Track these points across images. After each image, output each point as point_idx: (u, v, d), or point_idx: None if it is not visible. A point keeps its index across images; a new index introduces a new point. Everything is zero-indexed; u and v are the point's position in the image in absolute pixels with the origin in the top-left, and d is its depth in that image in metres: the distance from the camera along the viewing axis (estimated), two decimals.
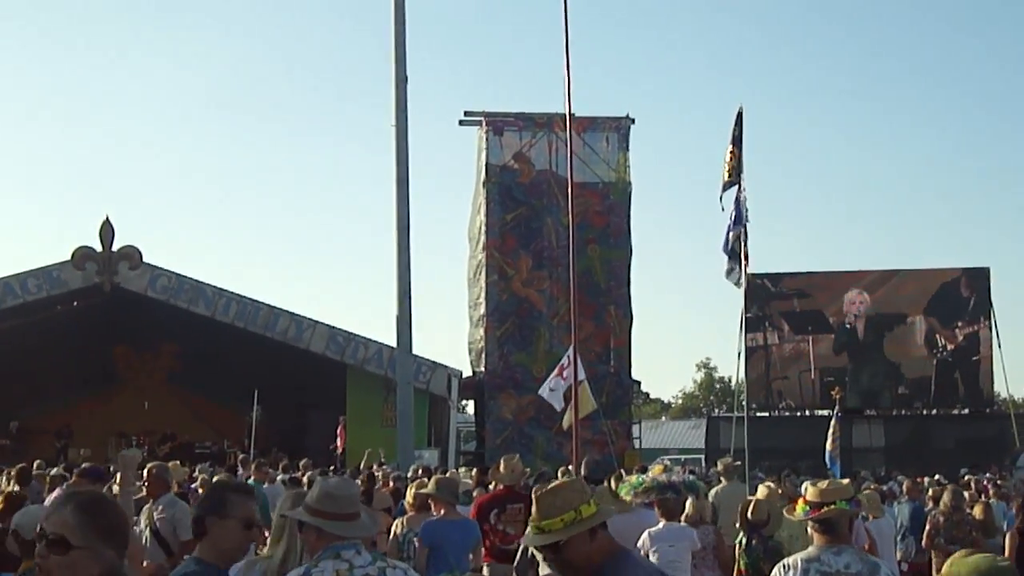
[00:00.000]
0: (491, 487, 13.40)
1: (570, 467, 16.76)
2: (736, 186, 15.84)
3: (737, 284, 16.32)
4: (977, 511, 14.65)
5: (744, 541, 10.50)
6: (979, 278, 40.57)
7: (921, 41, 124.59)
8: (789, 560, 6.44)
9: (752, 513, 10.30)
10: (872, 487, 18.12)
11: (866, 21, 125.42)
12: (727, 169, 15.85)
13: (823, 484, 6.66)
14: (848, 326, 40.77)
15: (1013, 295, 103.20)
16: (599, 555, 4.62)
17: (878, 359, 40.53)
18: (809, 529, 6.56)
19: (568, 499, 4.63)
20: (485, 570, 10.90)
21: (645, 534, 10.83)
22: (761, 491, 12.15)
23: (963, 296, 40.31)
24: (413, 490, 10.98)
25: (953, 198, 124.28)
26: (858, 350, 40.60)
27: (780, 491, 12.87)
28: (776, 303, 40.96)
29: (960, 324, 40.25)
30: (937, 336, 40.39)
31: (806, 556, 6.34)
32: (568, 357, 11.47)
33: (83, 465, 11.84)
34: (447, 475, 15.07)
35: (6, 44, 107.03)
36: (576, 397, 9.87)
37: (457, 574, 9.27)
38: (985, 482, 22.42)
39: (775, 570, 6.47)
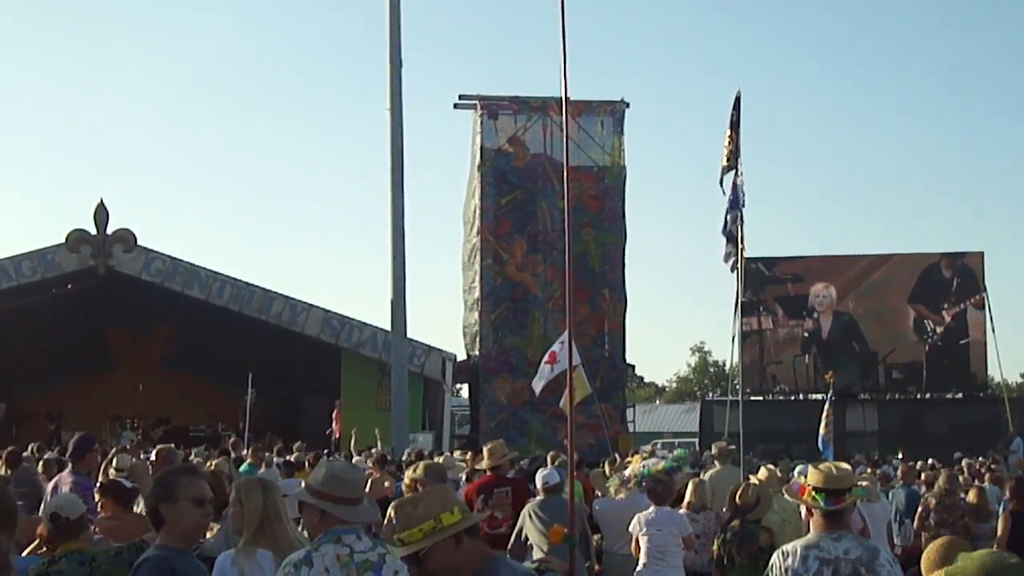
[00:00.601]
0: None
1: (565, 442, 16.83)
2: (734, 170, 15.84)
3: (732, 269, 16.33)
4: (971, 495, 14.67)
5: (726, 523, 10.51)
6: (962, 261, 40.71)
7: (916, 27, 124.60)
8: (788, 547, 6.41)
9: (740, 496, 10.30)
10: (867, 472, 18.16)
11: (860, 6, 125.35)
12: (725, 154, 15.85)
13: (831, 469, 6.52)
14: (807, 334, 40.95)
15: (1007, 280, 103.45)
16: (468, 564, 4.50)
17: (848, 354, 40.67)
18: (805, 513, 6.53)
19: (428, 508, 4.51)
20: None
21: (636, 518, 10.89)
22: (762, 473, 12.17)
23: (945, 278, 40.43)
24: (410, 474, 11.02)
25: (948, 182, 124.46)
26: (824, 347, 40.75)
27: (780, 475, 12.89)
28: (771, 287, 41.08)
29: (947, 306, 40.39)
30: (926, 321, 40.52)
31: (805, 543, 6.32)
32: (562, 342, 11.45)
33: (75, 437, 11.90)
34: (440, 459, 15.13)
35: None
36: (571, 382, 9.84)
37: None
38: (978, 466, 22.45)
39: (774, 557, 6.43)
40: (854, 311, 40.88)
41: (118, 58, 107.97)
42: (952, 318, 40.28)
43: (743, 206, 15.76)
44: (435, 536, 4.44)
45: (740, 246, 15.75)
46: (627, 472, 12.43)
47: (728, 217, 15.81)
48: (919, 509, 14.66)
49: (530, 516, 10.72)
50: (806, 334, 40.99)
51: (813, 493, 6.35)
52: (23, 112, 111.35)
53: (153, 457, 11.74)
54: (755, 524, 10.13)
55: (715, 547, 10.24)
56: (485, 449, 12.66)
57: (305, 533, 6.09)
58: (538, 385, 13.38)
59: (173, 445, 18.87)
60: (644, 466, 12.28)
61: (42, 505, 10.11)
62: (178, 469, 5.72)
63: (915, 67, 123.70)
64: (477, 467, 13.89)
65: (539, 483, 11.20)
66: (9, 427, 35.68)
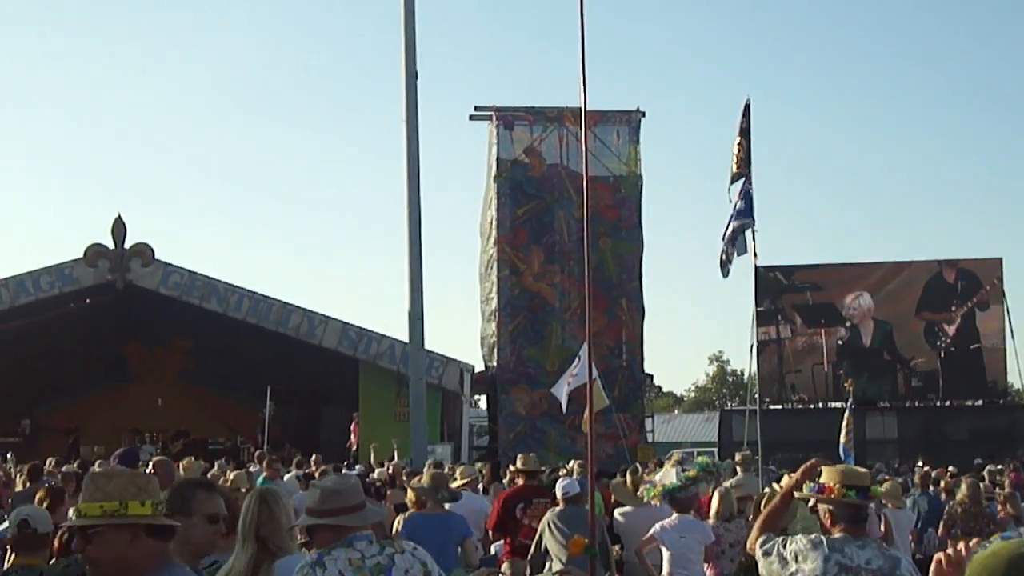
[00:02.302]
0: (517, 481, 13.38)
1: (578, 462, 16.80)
2: (744, 178, 15.80)
3: (725, 275, 16.27)
4: (1002, 502, 14.59)
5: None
6: (962, 266, 40.69)
7: (931, 34, 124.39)
8: (812, 538, 6.25)
9: (766, 505, 10.23)
10: (887, 479, 18.10)
11: (873, 13, 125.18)
12: (735, 161, 15.83)
13: (849, 468, 6.49)
14: (840, 342, 40.73)
15: None
16: (137, 564, 4.09)
17: (881, 363, 40.49)
18: (826, 516, 6.41)
19: (120, 488, 4.12)
20: (505, 566, 10.95)
21: (656, 526, 10.84)
22: (785, 480, 12.11)
23: (949, 284, 40.33)
24: (413, 484, 11.02)
25: (966, 188, 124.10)
26: (864, 355, 40.53)
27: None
28: (788, 296, 40.87)
29: (953, 309, 40.26)
30: (936, 329, 40.39)
31: (830, 544, 6.20)
32: (580, 357, 11.46)
33: (119, 451, 11.83)
34: (460, 468, 15.14)
35: (17, 41, 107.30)
36: (590, 395, 9.83)
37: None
38: (997, 474, 22.33)
39: (799, 539, 6.26)
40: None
41: (136, 72, 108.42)
42: (962, 320, 40.17)
43: (753, 214, 15.71)
44: (112, 519, 4.06)
45: (754, 255, 15.71)
46: (657, 478, 12.39)
47: (735, 224, 15.76)
48: (944, 517, 14.58)
49: (549, 527, 10.70)
50: (839, 342, 40.74)
51: (843, 490, 6.27)
52: (40, 126, 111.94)
53: (151, 469, 11.67)
54: (784, 533, 10.08)
55: (744, 556, 10.12)
56: (520, 457, 12.78)
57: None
58: (564, 400, 13.37)
59: (192, 458, 19.00)
60: (667, 478, 12.23)
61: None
62: (195, 482, 5.66)
63: (930, 73, 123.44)
64: (512, 468, 13.92)
65: (559, 493, 11.19)
66: (33, 442, 35.76)
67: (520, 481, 12.59)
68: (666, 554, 10.67)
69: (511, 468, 13.41)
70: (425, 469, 16.32)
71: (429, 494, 10.46)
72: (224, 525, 5.42)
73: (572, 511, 10.73)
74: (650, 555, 10.94)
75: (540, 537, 10.79)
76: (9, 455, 25.22)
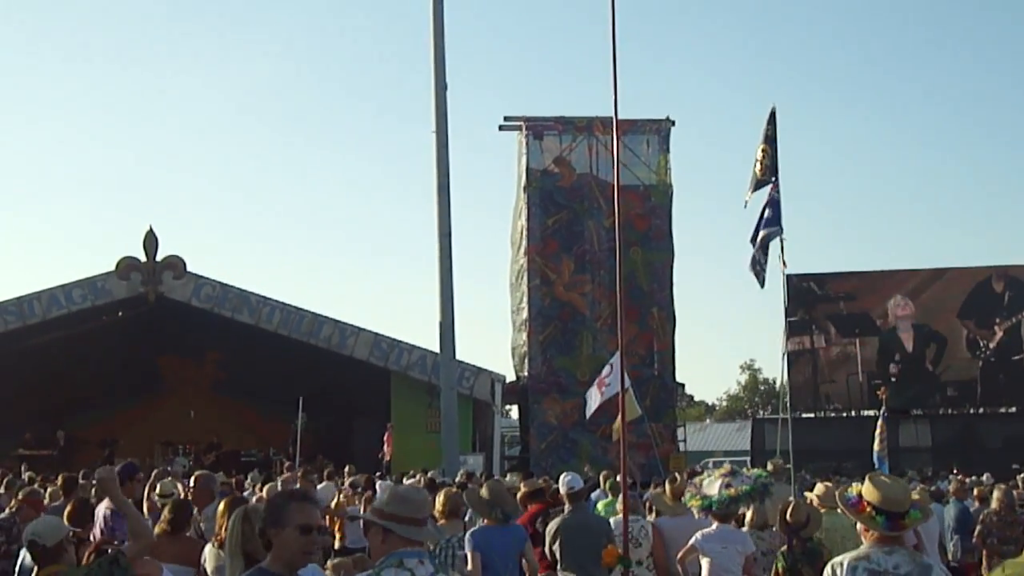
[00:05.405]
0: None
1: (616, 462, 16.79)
2: (770, 184, 15.73)
3: (761, 284, 16.16)
4: None
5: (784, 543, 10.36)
6: (1012, 274, 40.25)
7: (957, 39, 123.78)
8: (837, 559, 6.28)
9: (791, 515, 10.18)
10: (920, 487, 18.00)
11: (901, 18, 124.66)
12: (759, 168, 15.76)
13: (890, 488, 6.29)
14: (891, 328, 40.35)
15: None
16: None
17: (923, 371, 40.15)
18: (859, 526, 6.39)
19: None
20: None
21: (697, 535, 10.74)
22: (819, 489, 12.05)
23: (997, 293, 39.97)
24: (442, 497, 10.87)
25: (1000, 194, 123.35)
26: (904, 360, 40.18)
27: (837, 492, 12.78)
28: (822, 306, 40.56)
29: (999, 321, 39.88)
30: (978, 338, 40.01)
31: (856, 554, 6.18)
32: (612, 364, 11.45)
33: (119, 464, 11.86)
34: (496, 480, 15.11)
35: (49, 58, 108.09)
36: (623, 405, 9.80)
37: None
38: None
39: (826, 570, 6.31)
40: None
41: (166, 86, 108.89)
42: (1005, 333, 39.77)
43: (780, 222, 15.63)
44: None
45: (783, 263, 15.63)
46: (705, 489, 12.34)
47: (764, 232, 15.67)
48: (979, 526, 14.48)
49: (555, 534, 10.63)
50: (891, 328, 40.36)
51: (872, 513, 6.21)
52: (73, 141, 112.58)
53: (192, 483, 11.72)
54: (812, 542, 10.04)
55: (779, 568, 10.07)
56: (523, 484, 12.81)
57: None
58: (590, 409, 13.35)
59: (222, 472, 19.05)
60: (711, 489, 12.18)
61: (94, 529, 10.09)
62: (289, 493, 5.63)
63: (960, 79, 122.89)
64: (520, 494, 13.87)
65: (563, 488, 11.17)
66: (67, 454, 35.91)
67: (531, 505, 12.53)
68: (705, 564, 10.56)
69: (519, 493, 13.30)
70: (458, 479, 16.31)
71: (485, 510, 10.31)
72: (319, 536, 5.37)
73: (577, 520, 10.68)
74: (690, 565, 10.87)
75: (551, 545, 10.73)
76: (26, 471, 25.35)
